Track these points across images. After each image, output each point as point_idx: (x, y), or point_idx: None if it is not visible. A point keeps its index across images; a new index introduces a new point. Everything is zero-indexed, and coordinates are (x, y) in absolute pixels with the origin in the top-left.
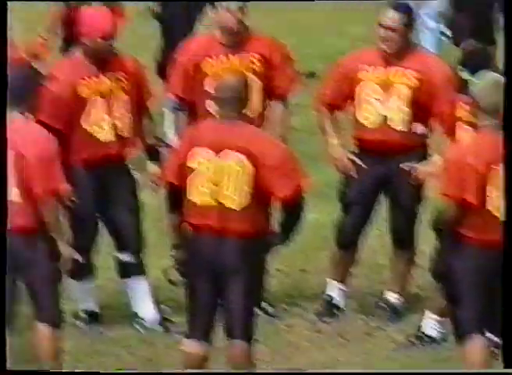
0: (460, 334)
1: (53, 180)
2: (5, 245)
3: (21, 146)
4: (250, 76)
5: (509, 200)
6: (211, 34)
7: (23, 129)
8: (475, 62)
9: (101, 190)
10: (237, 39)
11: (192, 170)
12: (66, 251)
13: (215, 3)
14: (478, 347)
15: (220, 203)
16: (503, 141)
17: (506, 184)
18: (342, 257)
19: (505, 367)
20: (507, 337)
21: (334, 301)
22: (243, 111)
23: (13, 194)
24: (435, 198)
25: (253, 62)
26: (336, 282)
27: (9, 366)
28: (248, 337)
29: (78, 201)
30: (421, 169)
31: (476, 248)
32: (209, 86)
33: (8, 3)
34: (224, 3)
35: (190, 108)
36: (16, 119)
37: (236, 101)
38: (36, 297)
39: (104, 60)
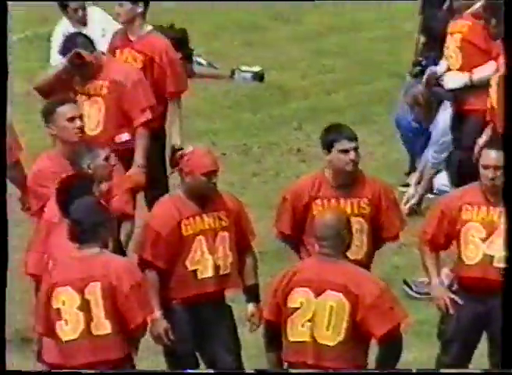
0: None
1: (149, 309)
2: (5, 245)
3: (113, 278)
4: (359, 219)
5: (509, 209)
6: (322, 174)
7: (108, 261)
8: None
9: (201, 328)
10: (349, 182)
11: (294, 310)
12: None
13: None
14: None
15: (315, 340)
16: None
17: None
18: None
19: (505, 367)
20: (507, 337)
21: None
22: (345, 251)
23: (104, 326)
24: None
25: (363, 208)
26: None
27: None
28: None
29: (177, 339)
30: None
31: None
32: None
33: (9, 3)
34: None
35: (297, 246)
36: (94, 252)
37: (335, 240)
38: None
39: (206, 198)
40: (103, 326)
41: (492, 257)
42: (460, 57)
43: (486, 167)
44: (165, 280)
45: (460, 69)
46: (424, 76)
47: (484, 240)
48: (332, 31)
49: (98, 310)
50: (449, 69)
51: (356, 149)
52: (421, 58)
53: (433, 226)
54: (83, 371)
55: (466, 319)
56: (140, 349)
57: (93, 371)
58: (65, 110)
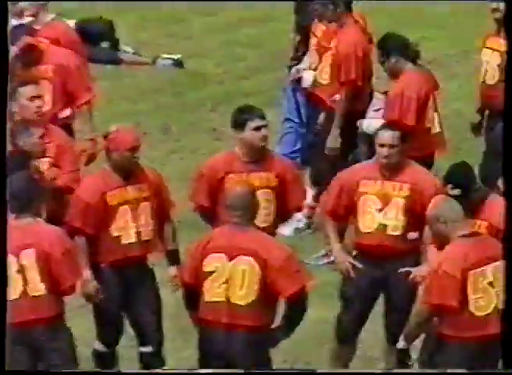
0: None
1: (79, 272)
2: (5, 245)
3: (46, 245)
4: (267, 191)
5: (509, 209)
6: (233, 152)
7: (42, 230)
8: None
9: (126, 289)
10: (259, 157)
11: (209, 274)
12: None
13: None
14: None
15: (229, 300)
16: (503, 144)
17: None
18: (341, 351)
19: (505, 367)
20: (507, 337)
21: None
22: (253, 220)
23: (38, 288)
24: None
25: (271, 181)
26: None
27: None
28: None
29: (105, 298)
30: (415, 273)
31: (456, 344)
32: None
33: (9, 3)
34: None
35: (211, 217)
36: (29, 222)
37: (244, 210)
38: None
39: (129, 172)
40: (38, 288)
41: (386, 226)
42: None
43: (382, 146)
44: (94, 245)
45: (316, 69)
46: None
47: (379, 210)
48: (244, 23)
49: (33, 274)
50: (311, 68)
51: (266, 126)
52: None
53: (333, 199)
54: (83, 371)
55: (364, 282)
56: (76, 307)
57: (93, 371)
58: (27, 90)
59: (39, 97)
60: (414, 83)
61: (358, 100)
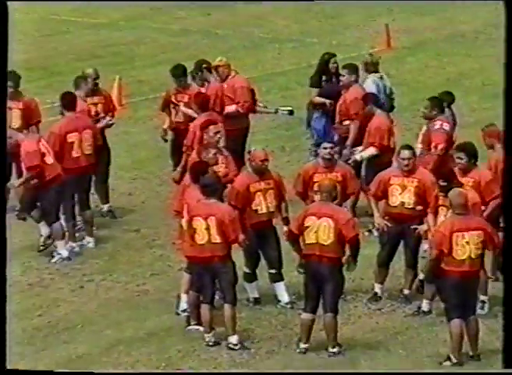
0: (448, 319)
1: (238, 231)
2: (5, 245)
3: (220, 215)
4: (336, 183)
5: (508, 193)
6: (318, 162)
7: (219, 206)
8: None
9: (259, 238)
10: (330, 165)
11: (307, 227)
12: None
13: None
14: (455, 326)
15: (318, 242)
16: (504, 142)
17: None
18: (380, 272)
19: (505, 367)
20: (507, 337)
21: (378, 295)
22: (331, 199)
23: (216, 238)
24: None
25: (337, 177)
26: (378, 284)
27: None
28: (335, 311)
29: (249, 244)
30: (419, 229)
31: (448, 274)
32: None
33: (8, 3)
34: None
35: (305, 198)
36: (214, 201)
37: (328, 193)
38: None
39: (262, 173)
40: (216, 238)
41: (404, 202)
42: None
43: (403, 159)
44: (242, 214)
45: None
46: None
47: (400, 194)
48: None
49: (213, 230)
50: None
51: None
52: None
53: (375, 187)
54: (84, 371)
55: (391, 233)
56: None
57: (95, 371)
58: (212, 129)
59: (218, 132)
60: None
61: None
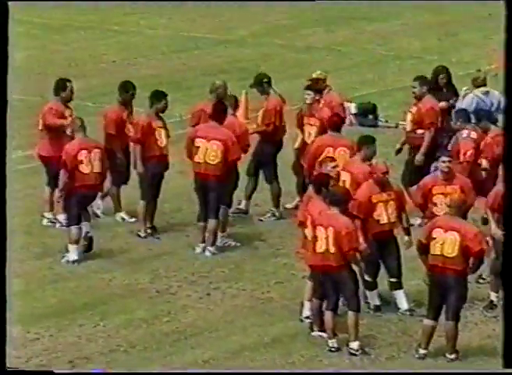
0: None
1: (354, 244)
2: (5, 245)
3: (338, 227)
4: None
5: (509, 198)
6: (437, 175)
7: (339, 218)
8: None
9: (381, 248)
10: (448, 178)
11: (434, 238)
12: None
13: None
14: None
15: (443, 254)
16: (504, 140)
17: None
18: (496, 280)
19: (505, 367)
20: (507, 337)
21: (494, 303)
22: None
23: (331, 248)
24: None
25: (455, 190)
26: (494, 293)
27: None
28: (457, 320)
29: (369, 253)
30: None
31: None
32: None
33: (9, 3)
34: None
35: (424, 210)
36: (335, 212)
37: (457, 208)
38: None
39: (383, 186)
40: (331, 248)
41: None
42: None
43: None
44: (365, 225)
45: None
46: None
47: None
48: None
49: (331, 240)
50: None
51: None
52: None
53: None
54: (84, 371)
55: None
56: None
57: (91, 371)
58: None
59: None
60: None
61: None
